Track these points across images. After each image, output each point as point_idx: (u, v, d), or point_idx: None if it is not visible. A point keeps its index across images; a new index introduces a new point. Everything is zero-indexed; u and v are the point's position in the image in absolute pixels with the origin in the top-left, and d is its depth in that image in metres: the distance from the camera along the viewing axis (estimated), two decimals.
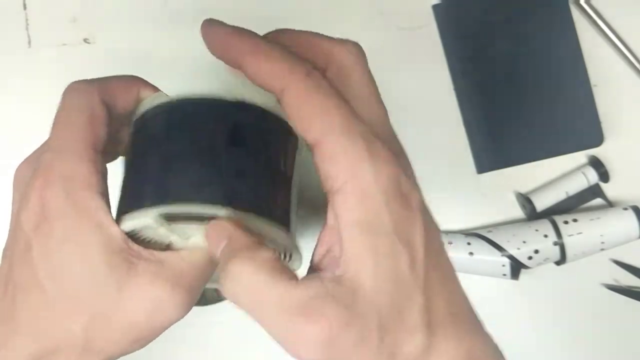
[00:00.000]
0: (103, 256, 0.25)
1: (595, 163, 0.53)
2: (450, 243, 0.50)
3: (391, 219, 0.24)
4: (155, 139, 0.28)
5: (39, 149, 0.30)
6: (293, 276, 0.24)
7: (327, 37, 0.28)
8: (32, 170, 0.27)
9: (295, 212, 0.29)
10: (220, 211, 0.25)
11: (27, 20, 0.53)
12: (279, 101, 0.26)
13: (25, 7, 0.53)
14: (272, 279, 0.24)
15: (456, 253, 0.50)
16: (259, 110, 0.28)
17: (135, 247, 0.26)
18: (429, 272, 0.25)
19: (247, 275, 0.24)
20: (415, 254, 0.24)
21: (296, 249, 0.28)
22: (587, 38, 0.54)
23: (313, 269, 0.26)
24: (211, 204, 0.25)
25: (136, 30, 0.53)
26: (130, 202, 0.27)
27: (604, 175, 0.53)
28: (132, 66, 0.53)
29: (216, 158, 0.26)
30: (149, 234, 0.28)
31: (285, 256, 0.29)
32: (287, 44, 0.27)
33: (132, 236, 0.27)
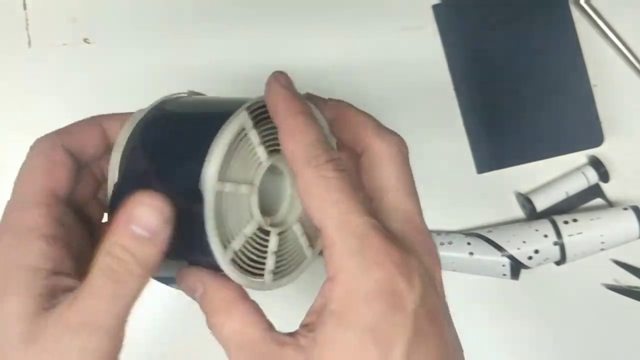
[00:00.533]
0: (20, 323, 0.25)
1: (595, 163, 0.53)
2: (450, 243, 0.50)
3: (369, 319, 0.24)
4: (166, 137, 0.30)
5: None
6: (266, 327, 0.26)
7: (373, 123, 0.30)
8: None
9: None
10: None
11: (27, 20, 0.53)
12: None
13: (25, 7, 0.53)
14: (245, 332, 0.26)
15: (456, 253, 0.50)
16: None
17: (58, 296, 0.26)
18: None
19: (225, 329, 0.27)
20: (389, 356, 0.24)
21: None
22: (587, 38, 0.54)
23: (297, 329, 0.27)
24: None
25: (136, 30, 0.53)
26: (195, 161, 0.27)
27: (604, 175, 0.53)
28: (132, 66, 0.54)
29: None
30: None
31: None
32: (333, 115, 0.30)
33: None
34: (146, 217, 0.25)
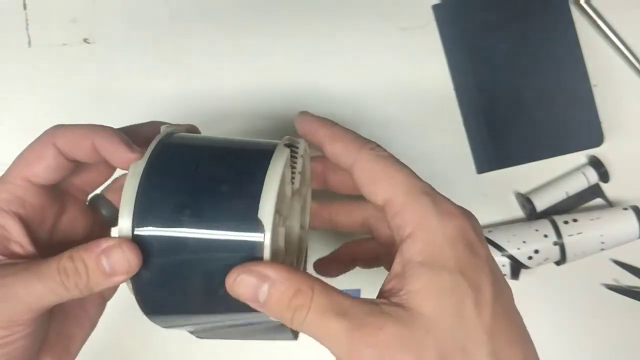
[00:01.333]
0: None
1: (595, 163, 0.53)
2: None
3: (457, 261, 0.26)
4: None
5: None
6: (347, 297, 0.27)
7: (355, 137, 0.33)
8: None
9: None
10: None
11: (27, 20, 0.53)
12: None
13: (25, 7, 0.53)
14: (331, 301, 0.26)
15: None
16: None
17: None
18: (497, 319, 0.26)
19: (312, 321, 0.26)
20: (481, 296, 0.26)
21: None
22: (587, 38, 0.54)
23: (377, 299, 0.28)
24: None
25: (136, 30, 0.53)
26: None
27: (604, 175, 0.53)
28: (132, 66, 0.54)
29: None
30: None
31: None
32: (328, 135, 0.32)
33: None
34: (117, 261, 0.28)
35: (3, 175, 0.32)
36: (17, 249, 0.31)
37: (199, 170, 0.29)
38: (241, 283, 0.26)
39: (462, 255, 0.27)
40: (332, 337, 0.26)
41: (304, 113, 0.34)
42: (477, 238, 0.28)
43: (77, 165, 0.33)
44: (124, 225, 0.28)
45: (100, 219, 0.36)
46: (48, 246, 0.33)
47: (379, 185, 0.29)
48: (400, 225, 0.28)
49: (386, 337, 0.25)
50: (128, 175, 0.29)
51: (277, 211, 0.28)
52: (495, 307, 0.26)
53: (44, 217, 0.33)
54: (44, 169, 0.32)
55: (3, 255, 0.31)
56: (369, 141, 0.31)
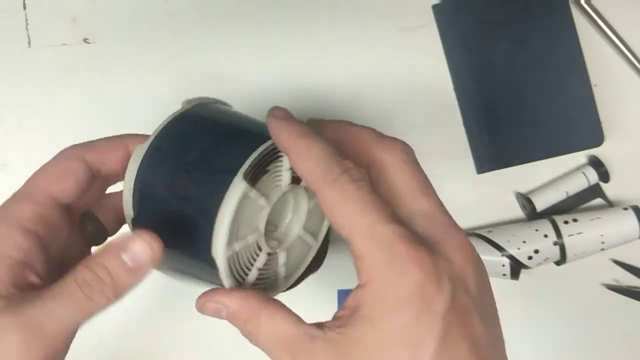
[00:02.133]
0: None
1: (595, 163, 0.53)
2: None
3: (401, 323, 0.26)
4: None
5: None
6: (294, 321, 0.28)
7: (373, 135, 0.31)
8: None
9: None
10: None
11: (27, 20, 0.53)
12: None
13: (25, 7, 0.53)
14: (278, 329, 0.28)
15: None
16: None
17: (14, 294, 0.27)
18: None
19: (259, 334, 0.28)
20: (416, 357, 0.25)
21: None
22: (587, 38, 0.54)
23: (326, 322, 0.28)
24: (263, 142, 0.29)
25: (136, 30, 0.53)
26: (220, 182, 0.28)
27: (604, 175, 0.53)
28: (132, 66, 0.54)
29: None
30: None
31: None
32: (334, 136, 0.30)
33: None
34: (139, 250, 0.27)
35: (23, 190, 0.30)
36: (33, 279, 0.28)
37: (176, 186, 0.29)
38: (206, 307, 0.29)
39: (407, 317, 0.26)
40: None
41: (275, 111, 0.31)
42: (436, 289, 0.26)
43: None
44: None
45: (86, 236, 0.34)
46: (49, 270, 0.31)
47: (341, 222, 0.27)
48: (358, 268, 0.27)
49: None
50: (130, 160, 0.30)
51: (241, 237, 0.29)
52: None
53: (57, 240, 0.31)
54: (73, 186, 0.30)
55: (16, 288, 0.27)
56: (335, 165, 0.27)
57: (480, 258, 0.29)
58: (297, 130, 0.29)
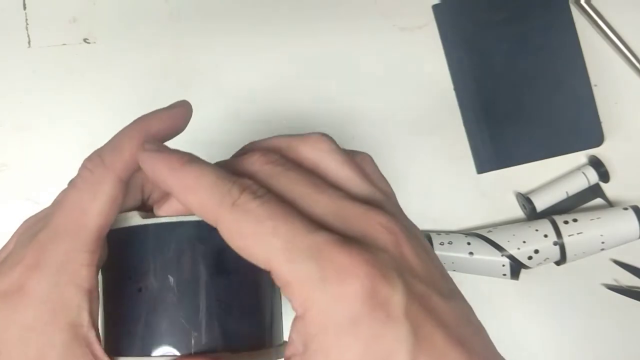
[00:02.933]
0: (62, 356, 0.24)
1: (595, 163, 0.53)
2: (450, 243, 0.50)
3: (359, 347, 0.21)
4: (131, 270, 0.26)
5: (35, 217, 0.29)
6: None
7: (289, 138, 0.27)
8: (20, 242, 0.26)
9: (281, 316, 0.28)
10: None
11: (27, 20, 0.53)
12: None
13: (25, 7, 0.53)
14: None
15: (456, 253, 0.50)
16: None
17: (101, 355, 0.25)
18: None
19: None
20: None
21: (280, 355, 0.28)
22: (587, 38, 0.54)
23: None
24: (204, 352, 0.25)
25: (136, 30, 0.53)
26: (118, 344, 0.26)
27: (604, 175, 0.53)
28: (132, 66, 0.54)
29: (204, 297, 0.25)
30: None
31: None
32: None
33: None
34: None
35: (68, 226, 0.25)
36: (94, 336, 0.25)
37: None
38: None
39: (368, 331, 0.21)
40: None
41: (146, 145, 0.26)
42: (388, 288, 0.22)
43: None
44: None
45: None
46: None
47: (253, 250, 0.23)
48: (289, 297, 0.23)
49: None
50: None
51: None
52: None
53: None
54: (115, 213, 0.26)
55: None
56: (237, 183, 0.24)
57: (406, 227, 0.25)
58: (176, 159, 0.24)
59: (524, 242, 0.50)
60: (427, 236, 0.51)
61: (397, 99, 0.53)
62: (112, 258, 0.27)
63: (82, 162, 0.27)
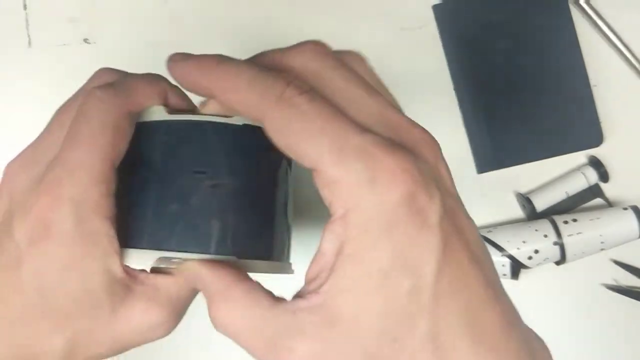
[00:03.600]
0: (103, 284, 0.25)
1: (595, 163, 0.53)
2: None
3: (392, 250, 0.21)
4: (152, 165, 0.26)
5: (34, 149, 0.28)
6: (268, 305, 0.23)
7: (282, 50, 0.27)
8: (33, 181, 0.25)
9: (291, 232, 0.29)
10: (226, 258, 0.25)
11: (27, 20, 0.53)
12: None
13: (25, 7, 0.53)
14: (245, 316, 0.23)
15: None
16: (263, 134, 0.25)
17: (133, 272, 0.26)
18: (442, 296, 0.22)
19: (225, 318, 0.24)
20: (420, 281, 0.22)
21: (289, 270, 0.28)
22: (587, 38, 0.54)
23: (300, 290, 0.24)
24: (216, 254, 0.25)
25: (136, 30, 0.53)
26: (130, 238, 0.26)
27: (604, 175, 0.53)
28: (132, 66, 0.53)
29: (219, 198, 0.25)
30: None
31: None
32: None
33: None
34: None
35: (84, 160, 0.24)
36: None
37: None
38: (183, 269, 0.26)
39: (403, 236, 0.21)
40: (253, 351, 0.23)
41: (175, 58, 0.26)
42: (427, 197, 0.22)
43: None
44: None
45: None
46: None
47: (299, 150, 0.22)
48: (331, 201, 0.22)
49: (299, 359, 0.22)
50: None
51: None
52: (439, 285, 0.22)
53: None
54: (125, 147, 0.25)
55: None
56: (277, 80, 0.23)
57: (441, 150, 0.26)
58: (209, 61, 0.24)
59: (524, 242, 0.50)
60: None
61: (397, 99, 0.53)
62: (138, 150, 0.26)
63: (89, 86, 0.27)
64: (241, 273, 0.25)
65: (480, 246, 0.24)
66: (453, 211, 0.23)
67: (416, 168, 0.22)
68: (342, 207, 0.22)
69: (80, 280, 0.25)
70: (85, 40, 0.53)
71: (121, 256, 0.25)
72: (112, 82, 0.27)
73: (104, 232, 0.24)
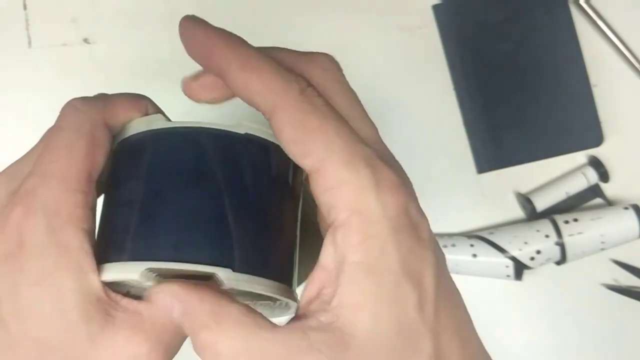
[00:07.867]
0: (78, 304, 0.22)
1: (595, 163, 0.53)
2: (453, 245, 0.50)
3: (399, 257, 0.21)
4: (138, 175, 0.24)
5: (16, 165, 0.26)
6: (270, 327, 0.21)
7: (298, 54, 0.26)
8: (8, 193, 0.24)
9: (297, 258, 0.26)
10: (219, 272, 0.22)
11: (27, 20, 0.53)
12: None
13: (25, 7, 0.53)
14: (246, 338, 0.21)
15: (460, 255, 0.50)
16: (268, 146, 0.24)
17: (114, 295, 0.23)
18: (440, 312, 0.22)
19: (219, 344, 0.21)
20: (424, 294, 0.21)
21: (296, 299, 0.25)
22: (587, 38, 0.54)
23: (299, 313, 0.22)
24: (209, 264, 0.22)
25: (136, 30, 0.53)
26: (112, 251, 0.24)
27: (604, 175, 0.53)
28: (132, 66, 0.54)
29: (215, 207, 0.23)
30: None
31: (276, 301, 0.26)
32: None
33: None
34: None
35: (57, 169, 0.23)
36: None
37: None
38: (156, 299, 0.23)
39: (406, 247, 0.21)
40: None
41: (191, 20, 0.25)
42: (418, 213, 0.22)
43: None
44: None
45: None
46: None
47: (309, 146, 0.22)
48: (333, 205, 0.22)
49: None
50: None
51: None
52: (437, 301, 0.22)
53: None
54: (103, 159, 0.24)
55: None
56: (296, 78, 0.23)
57: None
58: (235, 37, 0.23)
59: (526, 243, 0.50)
60: None
61: (397, 99, 0.53)
62: (122, 164, 0.25)
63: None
64: (230, 295, 0.22)
65: (451, 284, 0.24)
66: (429, 232, 0.23)
67: (407, 186, 0.23)
68: (346, 210, 0.21)
69: (53, 299, 0.22)
70: (85, 40, 0.53)
71: (101, 273, 0.23)
72: (92, 96, 0.26)
73: (77, 243, 0.23)
